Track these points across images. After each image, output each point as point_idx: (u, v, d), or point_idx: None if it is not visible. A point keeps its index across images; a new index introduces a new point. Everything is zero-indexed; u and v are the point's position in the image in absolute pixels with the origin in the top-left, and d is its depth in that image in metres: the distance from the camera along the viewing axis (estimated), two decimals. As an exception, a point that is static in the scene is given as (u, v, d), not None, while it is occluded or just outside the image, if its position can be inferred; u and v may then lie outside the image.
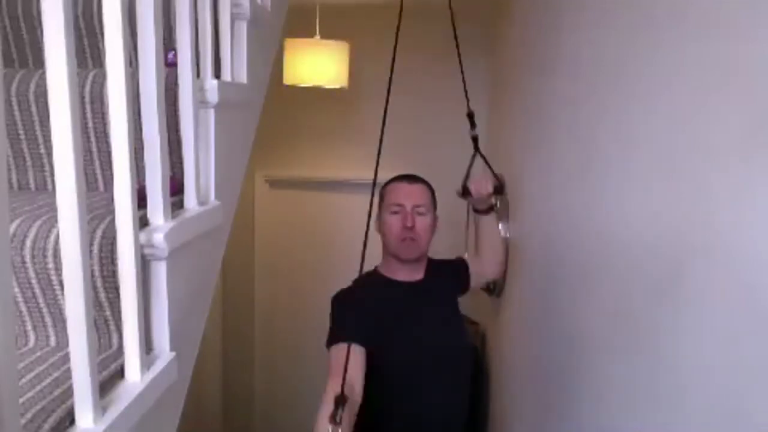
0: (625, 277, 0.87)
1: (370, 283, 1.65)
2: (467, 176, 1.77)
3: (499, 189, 1.79)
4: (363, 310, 1.54)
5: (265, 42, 1.25)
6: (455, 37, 1.61)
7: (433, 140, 3.11)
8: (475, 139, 1.74)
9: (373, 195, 1.09)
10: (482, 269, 1.86)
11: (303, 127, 3.20)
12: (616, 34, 0.97)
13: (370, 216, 1.09)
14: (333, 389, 1.15)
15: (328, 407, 1.09)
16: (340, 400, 1.05)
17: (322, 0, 2.63)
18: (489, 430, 2.16)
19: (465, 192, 1.75)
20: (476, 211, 1.83)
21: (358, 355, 1.40)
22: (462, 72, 1.66)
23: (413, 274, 1.67)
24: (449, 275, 1.78)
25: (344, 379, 1.09)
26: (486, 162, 1.78)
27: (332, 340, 1.50)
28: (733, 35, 0.61)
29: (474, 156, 1.76)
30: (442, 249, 1.83)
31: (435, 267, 1.73)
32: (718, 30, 0.64)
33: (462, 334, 1.74)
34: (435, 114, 3.13)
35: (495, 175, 1.82)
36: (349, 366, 1.14)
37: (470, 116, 1.72)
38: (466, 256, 1.94)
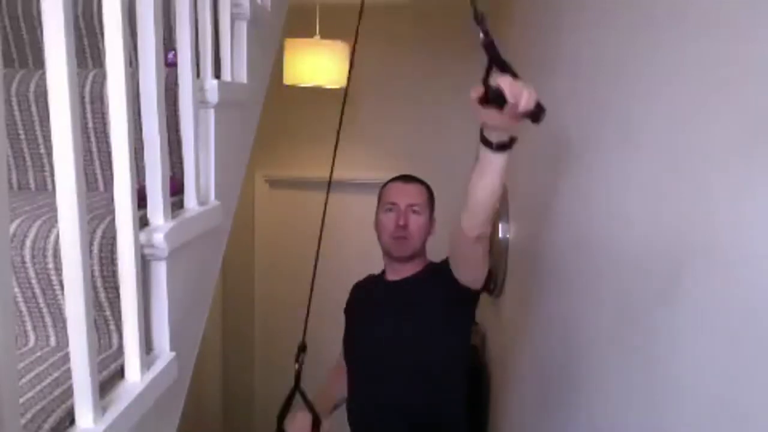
0: (625, 277, 0.87)
1: (365, 280, 1.84)
2: (488, 76, 0.98)
3: (541, 112, 0.96)
4: (347, 307, 1.81)
5: (265, 42, 1.25)
6: None
7: (434, 142, 3.11)
8: (487, 47, 0.99)
9: (328, 193, 1.13)
10: (457, 246, 1.41)
11: (303, 127, 3.21)
12: (616, 34, 0.97)
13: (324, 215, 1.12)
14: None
15: None
16: (301, 348, 1.58)
17: (322, 0, 2.63)
18: (489, 429, 2.16)
19: (491, 96, 0.94)
20: (488, 145, 1.06)
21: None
22: None
23: (402, 272, 1.68)
24: (442, 277, 1.76)
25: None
26: (510, 72, 0.96)
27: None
28: (733, 35, 0.61)
29: (489, 69, 0.99)
30: (441, 249, 1.83)
31: (434, 268, 1.70)
32: (718, 30, 0.64)
33: (432, 333, 1.59)
34: (436, 116, 3.13)
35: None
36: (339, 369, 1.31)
37: (479, 19, 0.99)
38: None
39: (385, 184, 1.71)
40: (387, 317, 1.65)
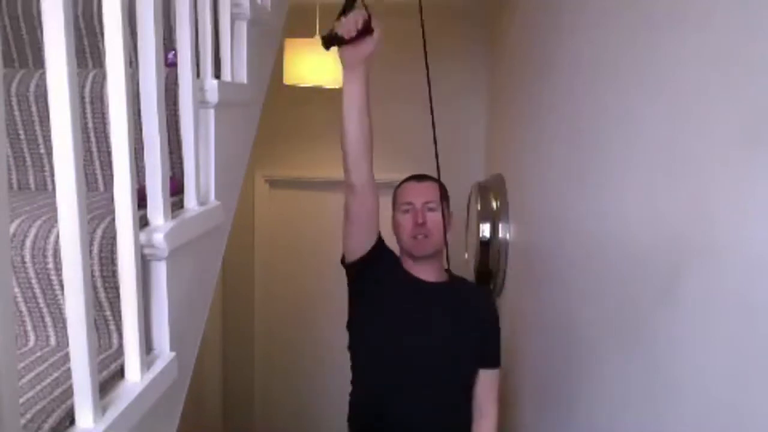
0: (625, 277, 0.87)
1: (395, 263, 1.66)
2: (334, 24, 1.33)
3: (368, 24, 1.30)
4: (382, 272, 1.60)
5: (265, 42, 1.25)
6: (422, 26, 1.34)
7: (433, 142, 3.11)
8: None
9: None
10: (351, 206, 1.51)
11: (303, 127, 3.21)
12: (616, 34, 0.97)
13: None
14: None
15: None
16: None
17: (322, 0, 2.63)
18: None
19: (331, 40, 1.32)
20: (348, 67, 1.39)
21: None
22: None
23: (431, 273, 1.64)
24: (488, 300, 1.74)
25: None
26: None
27: None
28: (732, 35, 0.61)
29: (341, 14, 1.33)
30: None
31: (481, 291, 1.70)
32: (718, 30, 0.64)
33: (475, 345, 1.61)
34: (438, 115, 3.13)
35: (366, 9, 1.32)
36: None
37: None
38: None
39: (399, 185, 1.70)
40: (438, 322, 1.58)
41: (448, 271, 1.65)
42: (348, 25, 1.29)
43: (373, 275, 1.58)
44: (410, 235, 1.61)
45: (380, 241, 1.58)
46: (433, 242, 1.61)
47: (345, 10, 1.31)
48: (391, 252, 1.64)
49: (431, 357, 1.55)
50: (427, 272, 1.64)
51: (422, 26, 1.33)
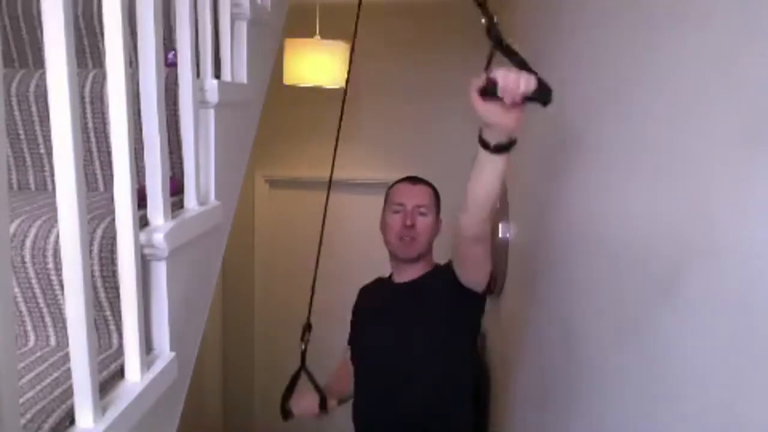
0: (625, 278, 0.87)
1: (373, 283, 1.83)
2: (490, 70, 0.97)
3: (545, 92, 0.94)
4: (355, 309, 1.81)
5: (265, 42, 1.25)
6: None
7: (435, 142, 3.11)
8: (490, 30, 1.00)
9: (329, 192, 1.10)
10: (458, 246, 1.38)
11: (303, 127, 3.21)
12: (616, 34, 0.97)
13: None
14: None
15: None
16: (306, 327, 1.64)
17: (322, 0, 2.63)
18: (490, 429, 2.16)
19: (488, 89, 0.94)
20: (485, 146, 1.04)
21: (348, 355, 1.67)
22: None
23: (409, 273, 1.67)
24: (447, 278, 1.76)
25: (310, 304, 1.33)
26: (515, 58, 0.98)
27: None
28: (733, 35, 0.61)
29: (491, 54, 1.00)
30: (440, 251, 1.83)
31: (439, 270, 1.69)
32: (718, 30, 0.64)
33: (440, 335, 1.59)
34: (437, 114, 3.13)
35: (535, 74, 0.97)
36: (344, 367, 1.27)
37: (480, 2, 1.05)
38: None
39: (392, 185, 1.70)
40: (394, 320, 1.64)
41: (436, 265, 1.68)
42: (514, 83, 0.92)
43: None
44: (397, 236, 1.61)
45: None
46: (418, 246, 1.62)
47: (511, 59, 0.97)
48: (361, 291, 1.85)
49: (391, 356, 1.59)
50: (407, 274, 1.67)
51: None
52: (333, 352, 1.97)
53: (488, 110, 0.96)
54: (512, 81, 0.91)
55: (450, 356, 1.58)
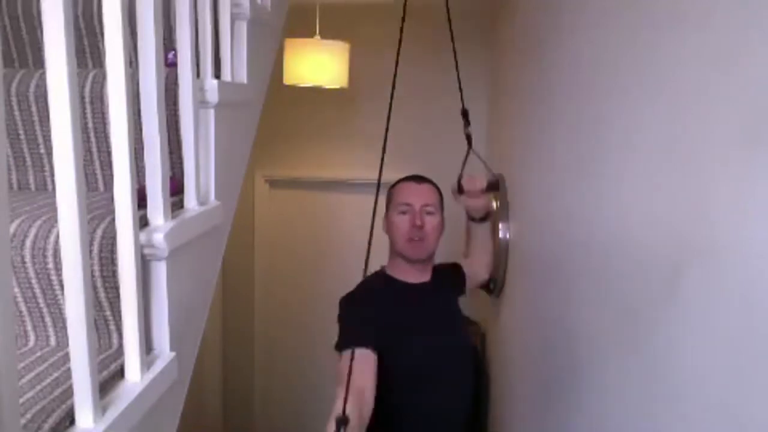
0: (625, 278, 0.87)
1: (379, 284, 1.63)
2: (461, 174, 1.73)
3: (494, 185, 1.77)
4: (374, 312, 1.49)
5: (265, 42, 1.25)
6: (450, 32, 1.63)
7: (434, 140, 3.11)
8: (468, 137, 1.70)
9: (378, 194, 1.05)
10: (473, 270, 1.87)
11: (303, 127, 3.20)
12: (616, 34, 0.97)
13: (374, 216, 1.07)
14: (338, 403, 1.09)
15: (332, 425, 1.04)
16: (341, 422, 1.00)
17: (322, 0, 2.63)
18: (489, 429, 2.16)
19: (460, 188, 1.73)
20: (472, 219, 1.83)
21: (370, 360, 1.36)
22: (457, 69, 1.65)
23: (421, 275, 1.64)
24: (450, 279, 1.77)
25: (347, 393, 1.00)
26: (481, 159, 1.74)
27: (343, 344, 1.42)
28: (733, 35, 0.61)
29: (468, 154, 1.72)
30: (440, 252, 1.83)
31: (438, 271, 1.71)
32: (718, 29, 0.64)
33: (465, 335, 1.77)
34: (437, 114, 3.13)
35: (492, 173, 1.80)
36: (361, 372, 1.20)
37: (464, 114, 1.70)
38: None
39: (395, 184, 1.65)
40: (434, 321, 1.61)
41: (437, 265, 1.71)
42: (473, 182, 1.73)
43: None
44: (406, 237, 1.57)
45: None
46: (428, 246, 1.59)
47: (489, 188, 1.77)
48: (372, 292, 1.57)
49: (445, 358, 1.59)
50: (420, 275, 1.64)
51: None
52: (332, 353, 1.97)
53: (463, 200, 1.76)
54: (470, 182, 1.72)
55: (471, 354, 1.74)
